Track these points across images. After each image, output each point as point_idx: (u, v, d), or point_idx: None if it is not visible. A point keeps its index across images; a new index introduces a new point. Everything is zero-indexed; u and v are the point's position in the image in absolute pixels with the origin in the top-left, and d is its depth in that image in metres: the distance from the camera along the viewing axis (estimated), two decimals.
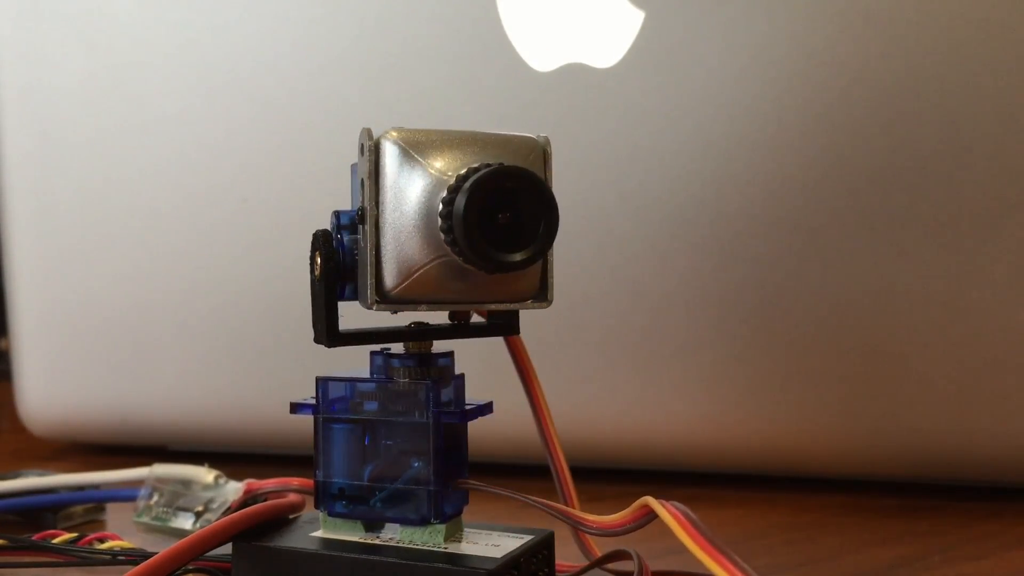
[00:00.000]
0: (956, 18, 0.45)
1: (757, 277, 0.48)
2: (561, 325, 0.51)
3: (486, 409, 0.32)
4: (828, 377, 0.48)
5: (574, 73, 0.50)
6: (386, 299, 0.29)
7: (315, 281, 0.30)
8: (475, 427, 0.32)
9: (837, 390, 0.48)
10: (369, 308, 0.29)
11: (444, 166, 0.29)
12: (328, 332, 0.30)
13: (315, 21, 0.54)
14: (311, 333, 0.53)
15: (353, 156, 0.32)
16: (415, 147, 0.29)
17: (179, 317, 0.58)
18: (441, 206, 0.28)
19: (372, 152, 0.29)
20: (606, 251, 0.50)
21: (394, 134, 0.29)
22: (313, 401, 0.32)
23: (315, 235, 0.31)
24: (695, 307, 0.49)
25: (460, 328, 0.32)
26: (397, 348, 0.32)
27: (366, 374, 0.32)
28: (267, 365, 0.56)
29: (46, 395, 0.61)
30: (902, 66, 0.46)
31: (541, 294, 0.31)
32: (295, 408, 0.32)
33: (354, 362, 0.33)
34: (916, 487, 0.49)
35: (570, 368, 0.51)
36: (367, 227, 0.29)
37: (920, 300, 0.46)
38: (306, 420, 0.33)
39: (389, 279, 0.29)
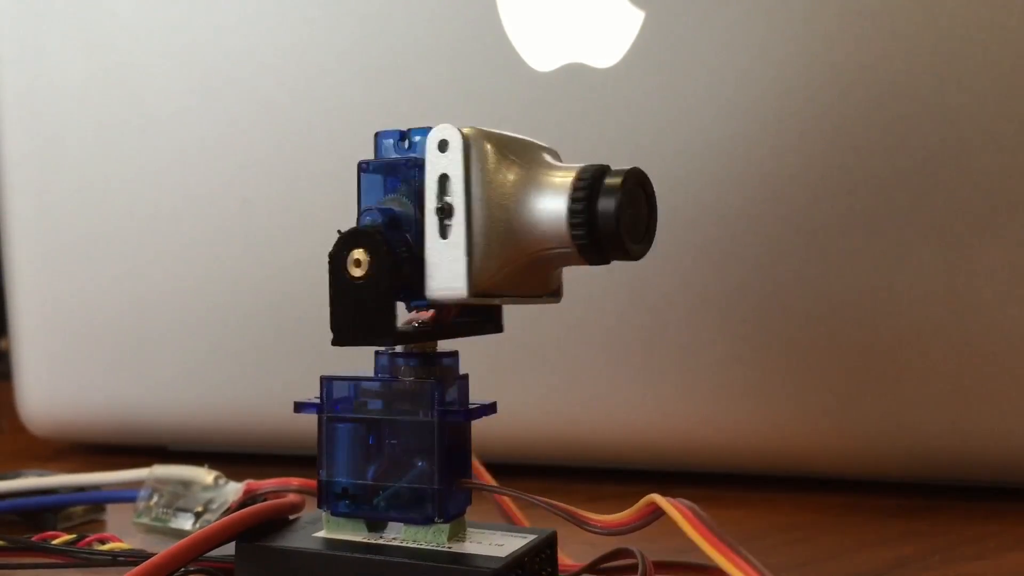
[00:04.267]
0: (956, 18, 0.45)
1: (757, 277, 0.49)
2: (562, 325, 0.51)
3: (490, 408, 0.32)
4: (828, 377, 0.48)
5: (574, 73, 0.50)
6: (477, 292, 0.30)
7: (353, 280, 0.30)
8: (479, 427, 0.32)
9: (837, 390, 0.48)
10: (462, 300, 0.30)
11: (538, 166, 0.31)
12: (392, 330, 0.30)
13: (315, 21, 0.54)
14: (311, 333, 0.53)
15: (353, 157, 0.32)
16: (504, 146, 0.30)
17: (179, 317, 0.58)
18: (569, 204, 0.29)
19: (463, 147, 0.30)
20: None
21: (470, 131, 0.30)
22: (317, 400, 0.32)
23: (358, 232, 0.30)
24: (696, 307, 0.49)
25: (454, 328, 0.33)
26: (400, 347, 0.32)
27: (369, 374, 0.32)
28: (267, 365, 0.56)
29: (46, 395, 0.61)
30: (902, 66, 0.46)
31: (559, 292, 0.33)
32: (299, 407, 0.32)
33: (355, 362, 0.33)
34: (916, 487, 0.50)
35: (570, 368, 0.51)
36: (453, 223, 0.30)
37: (920, 300, 0.47)
38: (306, 420, 0.32)
39: (482, 273, 0.30)
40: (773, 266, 0.48)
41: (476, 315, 0.33)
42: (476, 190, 0.30)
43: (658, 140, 0.49)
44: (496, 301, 0.31)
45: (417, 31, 0.53)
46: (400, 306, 0.31)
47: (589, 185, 0.29)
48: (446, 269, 0.30)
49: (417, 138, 0.31)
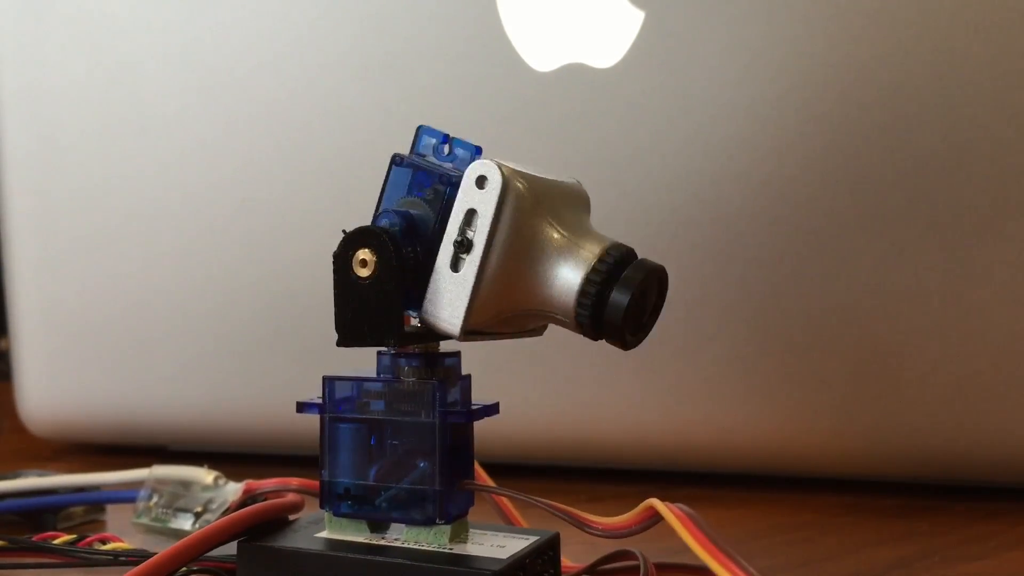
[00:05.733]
0: (956, 18, 0.45)
1: (757, 277, 0.49)
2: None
3: (492, 410, 0.32)
4: (828, 377, 0.48)
5: (574, 73, 0.50)
6: (469, 331, 0.30)
7: (359, 280, 0.30)
8: (480, 428, 0.32)
9: (837, 390, 0.48)
10: (454, 337, 0.30)
11: (565, 228, 0.30)
12: (398, 331, 0.30)
13: (315, 21, 0.54)
14: (311, 333, 0.53)
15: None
16: (540, 196, 0.30)
17: (179, 317, 0.58)
18: (583, 283, 0.29)
19: (500, 191, 0.29)
20: None
21: (510, 173, 0.30)
22: (319, 400, 0.32)
23: (365, 232, 0.30)
24: (695, 307, 0.49)
25: None
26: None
27: (370, 374, 0.32)
28: (267, 365, 0.56)
29: (46, 395, 0.61)
30: (902, 66, 0.46)
31: (543, 328, 0.33)
32: (301, 407, 0.32)
33: (355, 362, 0.33)
34: (916, 487, 0.50)
35: (570, 368, 0.51)
36: (467, 261, 0.30)
37: (920, 300, 0.47)
38: (305, 420, 0.33)
39: (480, 315, 0.30)
40: (773, 266, 0.48)
41: None
42: (500, 236, 0.29)
43: (658, 140, 0.49)
44: (479, 339, 0.31)
45: (417, 31, 0.53)
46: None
47: (609, 271, 0.29)
48: (448, 302, 0.30)
49: (459, 150, 0.31)
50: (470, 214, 0.30)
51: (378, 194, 0.32)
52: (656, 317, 0.31)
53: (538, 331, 0.33)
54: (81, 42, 0.58)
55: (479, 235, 0.29)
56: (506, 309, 0.30)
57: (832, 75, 0.47)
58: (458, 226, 0.30)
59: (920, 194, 0.46)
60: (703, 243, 0.49)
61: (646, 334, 0.31)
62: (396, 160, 0.32)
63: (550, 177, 0.31)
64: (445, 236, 0.30)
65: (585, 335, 0.30)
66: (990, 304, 0.46)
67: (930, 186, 0.46)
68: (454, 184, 0.30)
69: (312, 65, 0.54)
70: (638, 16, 0.49)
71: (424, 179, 0.31)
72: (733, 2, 0.48)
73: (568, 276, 0.30)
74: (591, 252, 0.30)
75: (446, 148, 0.31)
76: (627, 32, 0.49)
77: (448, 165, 0.31)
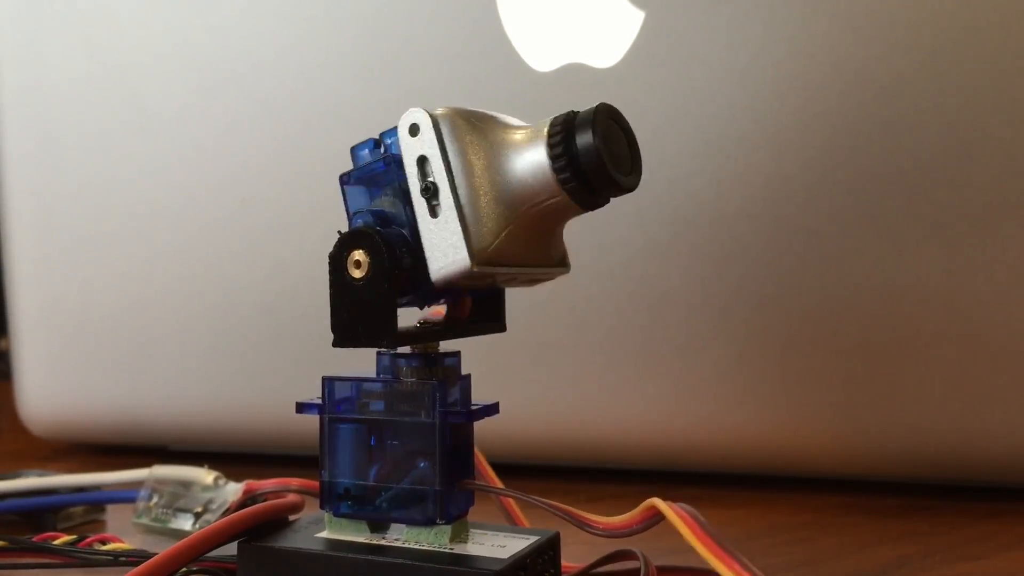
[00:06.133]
0: (956, 18, 0.45)
1: (757, 277, 0.49)
2: (561, 325, 0.51)
3: (492, 410, 0.32)
4: (828, 377, 0.48)
5: (574, 73, 0.50)
6: (481, 260, 0.30)
7: (354, 281, 0.30)
8: (480, 428, 0.32)
9: (837, 390, 0.48)
10: (468, 269, 0.30)
11: (509, 128, 0.31)
12: (392, 332, 0.30)
13: (315, 21, 0.54)
14: (311, 333, 0.53)
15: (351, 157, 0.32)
16: (473, 117, 0.30)
17: (179, 317, 0.58)
18: (548, 151, 0.29)
19: (433, 126, 0.30)
20: (606, 251, 0.50)
21: (438, 109, 0.30)
22: (319, 401, 0.32)
23: (358, 233, 0.30)
24: (695, 307, 0.49)
25: (460, 327, 0.33)
26: (403, 348, 0.32)
27: (370, 374, 0.32)
28: (267, 365, 0.56)
29: (46, 395, 0.61)
30: (902, 66, 0.46)
31: (565, 261, 0.33)
32: (301, 408, 0.32)
33: (355, 362, 0.33)
34: (916, 487, 0.50)
35: (570, 368, 0.52)
36: (440, 201, 0.30)
37: (920, 300, 0.47)
38: (306, 420, 0.33)
39: (480, 240, 0.29)
40: (773, 266, 0.48)
41: (481, 315, 0.33)
42: (455, 162, 0.30)
43: (658, 140, 0.49)
44: (503, 271, 0.31)
45: (417, 31, 0.53)
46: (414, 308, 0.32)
47: (563, 128, 0.29)
48: (445, 245, 0.30)
49: (389, 140, 0.31)
50: (422, 162, 0.30)
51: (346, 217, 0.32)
52: (639, 155, 0.31)
53: (561, 265, 0.33)
54: (81, 42, 0.58)
55: (437, 174, 0.30)
56: (503, 225, 0.30)
57: (832, 75, 0.47)
58: (416, 178, 0.30)
59: (920, 194, 0.46)
60: (703, 243, 0.49)
61: (639, 173, 0.31)
62: (343, 179, 0.32)
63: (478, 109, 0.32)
64: (412, 195, 0.30)
65: (584, 203, 0.30)
66: (990, 304, 0.46)
67: (930, 186, 0.46)
68: (398, 162, 0.30)
69: (312, 65, 0.54)
70: (638, 16, 0.49)
71: (375, 182, 0.31)
72: (733, 2, 0.48)
73: (535, 157, 0.30)
74: (540, 129, 0.30)
75: (380, 148, 0.32)
76: (627, 32, 0.49)
77: (388, 154, 0.31)
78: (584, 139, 0.29)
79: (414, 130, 0.30)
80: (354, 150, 0.32)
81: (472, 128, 0.30)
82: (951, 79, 0.45)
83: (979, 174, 0.45)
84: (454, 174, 0.30)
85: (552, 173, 0.29)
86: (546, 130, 0.30)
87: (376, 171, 0.31)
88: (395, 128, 0.31)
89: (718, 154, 0.48)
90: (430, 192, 0.30)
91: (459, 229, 0.29)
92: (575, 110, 0.30)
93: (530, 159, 0.30)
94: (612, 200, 0.49)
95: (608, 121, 0.30)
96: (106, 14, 0.58)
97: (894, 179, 0.46)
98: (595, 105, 0.30)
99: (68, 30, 0.58)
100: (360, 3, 0.53)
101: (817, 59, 0.47)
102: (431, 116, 0.30)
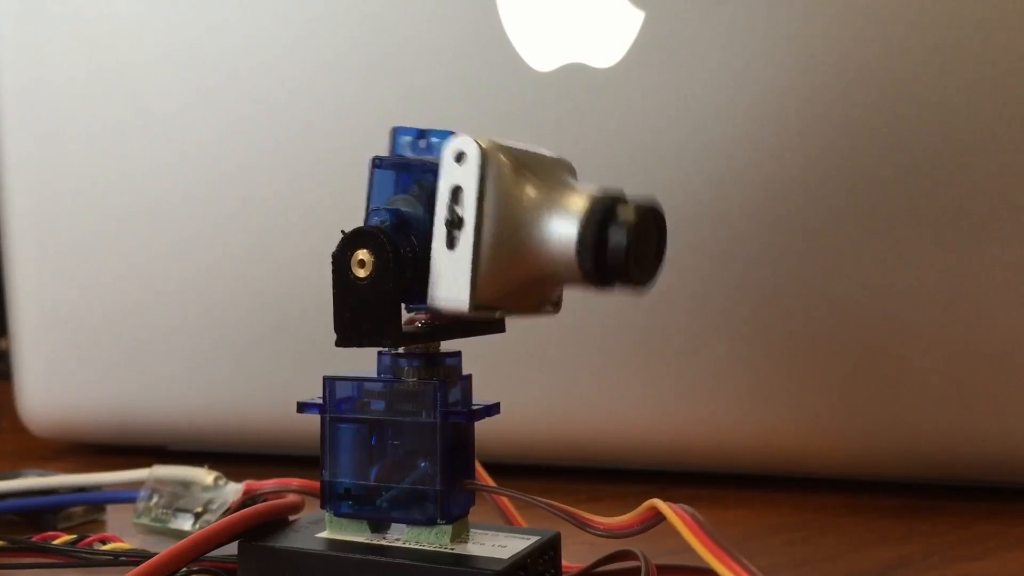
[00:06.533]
0: (956, 18, 0.45)
1: (757, 277, 0.49)
2: (561, 325, 0.51)
3: (493, 410, 0.32)
4: (828, 377, 0.48)
5: (574, 73, 0.50)
6: (478, 306, 0.30)
7: (357, 280, 0.30)
8: (481, 428, 0.32)
9: (837, 390, 0.48)
10: (463, 313, 0.30)
11: (553, 186, 0.30)
12: (395, 332, 0.30)
13: (315, 21, 0.54)
14: (311, 333, 0.53)
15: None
16: (521, 163, 0.30)
17: (179, 317, 0.58)
18: (579, 232, 0.29)
19: (479, 162, 0.29)
20: None
21: (488, 144, 0.30)
22: (320, 401, 0.32)
23: (362, 233, 0.30)
24: (695, 307, 0.49)
25: (457, 328, 0.33)
26: (404, 348, 0.32)
27: (371, 374, 0.32)
28: (267, 365, 0.56)
29: (46, 395, 0.61)
30: (902, 66, 0.46)
31: (559, 303, 0.33)
32: (302, 408, 0.32)
33: (355, 362, 0.33)
34: (916, 487, 0.50)
35: (570, 368, 0.52)
36: (461, 237, 0.29)
37: (920, 300, 0.47)
38: (306, 420, 0.32)
39: (486, 287, 0.30)
40: (773, 266, 0.48)
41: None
42: (488, 206, 0.29)
43: (658, 140, 0.49)
44: (496, 314, 0.31)
45: (417, 31, 0.53)
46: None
47: (602, 215, 0.29)
48: (450, 281, 0.30)
49: (435, 139, 0.31)
50: (455, 191, 0.29)
51: (365, 201, 0.32)
52: (662, 256, 0.31)
53: (553, 307, 0.33)
54: (81, 42, 0.58)
55: (468, 209, 0.29)
56: (512, 279, 0.30)
57: (832, 75, 0.47)
58: (446, 205, 0.30)
59: (920, 194, 0.46)
60: (703, 243, 0.49)
61: (656, 274, 0.31)
62: (376, 163, 0.32)
63: (531, 149, 0.31)
64: (436, 218, 0.30)
65: (594, 287, 0.30)
66: (990, 304, 0.46)
67: (930, 186, 0.46)
68: (436, 171, 0.30)
69: (312, 65, 0.54)
70: (638, 16, 0.49)
71: (407, 176, 0.31)
72: (733, 2, 0.48)
73: (563, 230, 0.30)
74: (581, 201, 0.30)
75: (423, 142, 0.31)
76: (627, 32, 0.49)
77: (428, 157, 0.31)
78: (617, 238, 0.29)
79: (460, 158, 0.29)
80: (395, 132, 0.32)
81: (516, 174, 0.30)
82: (951, 79, 0.45)
83: (979, 174, 0.45)
84: (484, 218, 0.29)
85: (576, 255, 0.29)
86: (585, 208, 0.30)
87: (412, 166, 0.31)
88: (443, 131, 0.31)
89: (718, 154, 0.48)
90: (454, 224, 0.30)
91: (468, 273, 0.29)
92: (620, 194, 0.30)
93: (559, 230, 0.30)
94: None
95: (648, 221, 0.30)
96: (106, 14, 0.58)
97: (894, 179, 0.46)
98: (640, 203, 0.30)
99: (68, 30, 0.58)
100: (360, 3, 0.53)
101: (817, 59, 0.47)
102: (481, 150, 0.29)
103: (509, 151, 0.30)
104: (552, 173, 0.31)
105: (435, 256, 0.30)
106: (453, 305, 0.30)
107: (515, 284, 0.30)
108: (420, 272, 0.30)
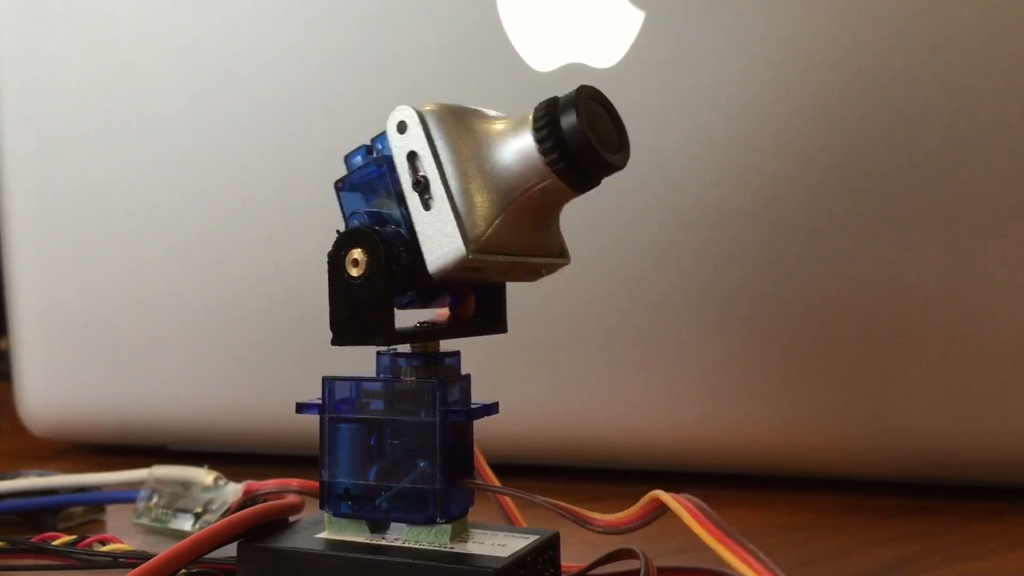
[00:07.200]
0: (956, 18, 0.45)
1: (757, 277, 0.49)
2: (561, 325, 0.51)
3: (492, 409, 0.32)
4: (828, 377, 0.48)
5: (574, 73, 0.50)
6: (477, 248, 0.30)
7: (351, 280, 0.30)
8: (480, 427, 0.32)
9: (837, 390, 0.48)
10: (465, 257, 0.30)
11: (495, 120, 0.31)
12: (389, 330, 0.30)
13: (314, 21, 0.54)
14: (311, 333, 0.53)
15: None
16: (459, 111, 0.31)
17: (179, 317, 0.58)
18: (534, 136, 0.30)
19: (420, 121, 0.30)
20: (606, 251, 0.50)
21: (425, 105, 0.31)
22: (319, 401, 0.32)
23: (355, 232, 0.30)
24: (695, 307, 0.49)
25: (460, 327, 0.33)
26: (403, 348, 0.32)
27: (370, 374, 0.32)
28: (267, 365, 0.56)
29: (46, 395, 0.61)
30: (902, 66, 0.46)
31: (565, 252, 0.33)
32: (301, 408, 0.32)
33: (355, 362, 0.33)
34: (916, 487, 0.50)
35: (570, 368, 0.52)
36: (432, 193, 0.30)
37: (920, 300, 0.47)
38: (306, 420, 0.32)
39: (474, 230, 0.30)
40: (773, 266, 0.48)
41: (482, 315, 0.33)
42: (444, 155, 0.30)
43: (658, 140, 0.49)
44: (500, 259, 0.31)
45: (417, 31, 0.53)
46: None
47: (547, 111, 0.30)
48: (440, 236, 0.30)
49: (380, 145, 0.32)
50: (412, 157, 0.30)
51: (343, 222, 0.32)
52: (625, 133, 0.31)
53: (561, 257, 0.33)
54: (81, 42, 0.58)
55: (428, 167, 0.30)
56: (496, 212, 0.30)
57: (832, 75, 0.47)
58: (408, 174, 0.30)
59: (920, 194, 0.46)
60: (703, 243, 0.49)
61: (627, 150, 0.31)
62: (338, 186, 0.32)
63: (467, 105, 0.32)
64: (404, 191, 0.30)
65: (575, 184, 0.30)
66: (990, 304, 0.46)
67: (930, 186, 0.46)
68: (390, 161, 0.31)
69: (312, 65, 0.54)
70: (638, 16, 0.49)
71: (370, 186, 0.32)
72: (733, 2, 0.48)
73: (522, 144, 0.30)
74: (526, 115, 0.30)
75: (372, 152, 0.32)
76: (627, 32, 0.49)
77: (380, 155, 0.32)
78: (568, 120, 0.29)
79: (402, 127, 0.30)
80: (347, 158, 0.33)
81: (459, 121, 0.31)
82: (951, 79, 0.45)
83: (979, 174, 0.45)
84: (444, 165, 0.30)
85: (540, 156, 0.30)
86: (531, 116, 0.30)
87: (370, 175, 0.32)
88: (385, 133, 0.31)
89: (718, 154, 0.48)
90: (421, 186, 0.30)
91: (452, 218, 0.30)
92: (557, 95, 0.30)
93: (518, 145, 0.30)
94: (612, 200, 0.49)
95: (591, 102, 0.30)
96: (106, 14, 0.58)
97: (894, 179, 0.46)
98: (576, 88, 0.30)
99: (68, 30, 0.58)
100: (360, 3, 0.53)
101: (817, 59, 0.47)
102: (418, 112, 0.30)
103: (444, 105, 0.31)
104: (488, 113, 0.32)
105: (418, 224, 0.30)
106: (450, 256, 0.30)
107: (504, 220, 0.30)
108: (416, 257, 0.30)
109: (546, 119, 0.30)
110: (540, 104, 0.30)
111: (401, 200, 0.30)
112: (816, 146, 0.47)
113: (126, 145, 0.58)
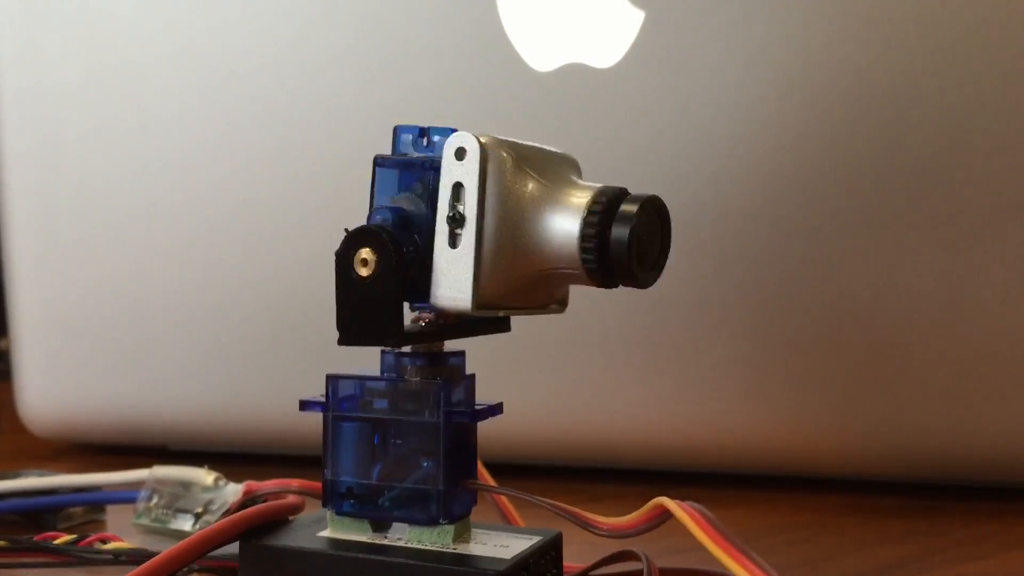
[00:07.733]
0: (956, 18, 0.45)
1: (757, 277, 0.49)
2: (561, 325, 0.51)
3: (496, 410, 0.32)
4: (828, 377, 0.48)
5: (574, 73, 0.50)
6: (481, 305, 0.30)
7: (360, 279, 0.30)
8: (482, 427, 0.32)
9: (837, 390, 0.48)
10: (466, 312, 0.30)
11: (556, 183, 0.30)
12: (398, 331, 0.30)
13: (314, 21, 0.54)
14: (311, 333, 0.53)
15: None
16: (523, 159, 0.30)
17: (179, 317, 0.58)
18: (581, 227, 0.29)
19: (480, 158, 0.29)
20: None
21: (488, 140, 0.30)
22: (323, 399, 0.32)
23: (365, 231, 0.30)
24: (695, 307, 0.50)
25: (461, 328, 0.33)
26: (407, 347, 0.32)
27: (375, 373, 0.32)
28: (268, 365, 0.56)
29: (46, 395, 0.61)
30: (902, 66, 0.46)
31: (565, 301, 0.34)
32: (304, 406, 0.32)
33: (355, 362, 0.33)
34: (916, 487, 0.50)
35: (570, 368, 0.52)
36: (463, 235, 0.29)
37: (920, 300, 0.47)
38: (307, 420, 0.32)
39: (489, 286, 0.30)
40: (773, 266, 0.48)
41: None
42: (490, 202, 0.29)
43: (658, 140, 0.49)
44: (500, 313, 0.31)
45: (417, 31, 0.53)
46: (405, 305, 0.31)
47: (604, 210, 0.29)
48: (453, 279, 0.30)
49: (436, 138, 0.31)
50: (456, 188, 0.30)
51: (368, 199, 0.32)
52: (667, 252, 0.31)
53: (559, 305, 0.33)
54: (81, 42, 0.58)
55: (469, 207, 0.29)
56: (515, 275, 0.30)
57: (832, 75, 0.47)
58: (447, 202, 0.30)
59: (920, 194, 0.46)
60: (703, 243, 0.49)
61: (659, 272, 0.31)
62: (378, 161, 0.32)
63: (535, 145, 0.31)
64: (438, 216, 0.30)
65: (598, 283, 0.30)
66: (990, 304, 0.46)
67: (930, 186, 0.46)
68: (438, 169, 0.30)
69: (312, 65, 0.54)
70: (638, 16, 0.49)
71: (409, 174, 0.31)
72: (733, 2, 0.48)
73: (566, 225, 0.30)
74: (584, 197, 0.30)
75: (424, 140, 0.31)
76: (627, 32, 0.49)
77: (430, 155, 0.31)
78: (620, 232, 0.29)
79: (460, 154, 0.30)
80: (397, 131, 0.32)
81: (517, 170, 0.30)
82: (951, 79, 0.46)
83: (979, 174, 0.46)
84: (485, 214, 0.29)
85: (578, 249, 0.30)
86: (587, 203, 0.30)
87: (412, 165, 0.31)
88: (445, 128, 0.31)
89: (718, 154, 0.49)
90: (456, 222, 0.30)
91: (471, 271, 0.29)
92: (623, 190, 0.30)
93: (562, 225, 0.30)
94: None
95: (652, 216, 0.30)
96: (106, 14, 0.58)
97: (894, 179, 0.47)
98: (643, 197, 0.30)
99: (68, 30, 0.58)
100: (360, 3, 0.53)
101: (817, 59, 0.47)
102: (481, 146, 0.29)
103: (511, 146, 0.30)
104: (555, 169, 0.31)
105: (438, 254, 0.30)
106: (456, 304, 0.30)
107: (519, 282, 0.30)
108: (423, 270, 0.30)
109: (600, 217, 0.29)
110: (602, 195, 0.30)
111: (432, 205, 0.30)
112: (816, 146, 0.47)
113: (126, 145, 0.58)
